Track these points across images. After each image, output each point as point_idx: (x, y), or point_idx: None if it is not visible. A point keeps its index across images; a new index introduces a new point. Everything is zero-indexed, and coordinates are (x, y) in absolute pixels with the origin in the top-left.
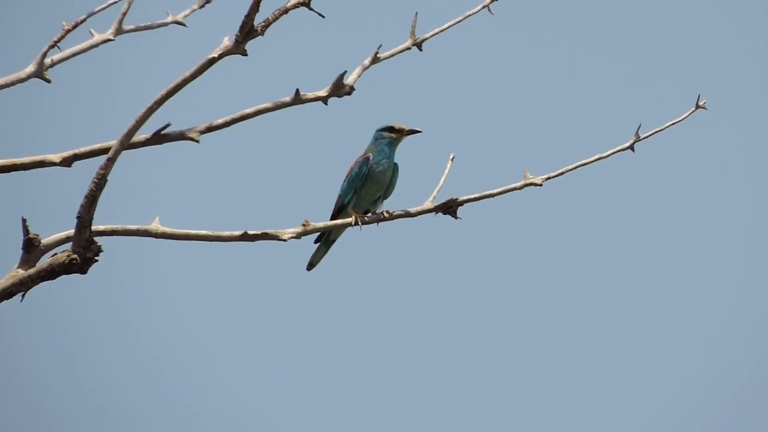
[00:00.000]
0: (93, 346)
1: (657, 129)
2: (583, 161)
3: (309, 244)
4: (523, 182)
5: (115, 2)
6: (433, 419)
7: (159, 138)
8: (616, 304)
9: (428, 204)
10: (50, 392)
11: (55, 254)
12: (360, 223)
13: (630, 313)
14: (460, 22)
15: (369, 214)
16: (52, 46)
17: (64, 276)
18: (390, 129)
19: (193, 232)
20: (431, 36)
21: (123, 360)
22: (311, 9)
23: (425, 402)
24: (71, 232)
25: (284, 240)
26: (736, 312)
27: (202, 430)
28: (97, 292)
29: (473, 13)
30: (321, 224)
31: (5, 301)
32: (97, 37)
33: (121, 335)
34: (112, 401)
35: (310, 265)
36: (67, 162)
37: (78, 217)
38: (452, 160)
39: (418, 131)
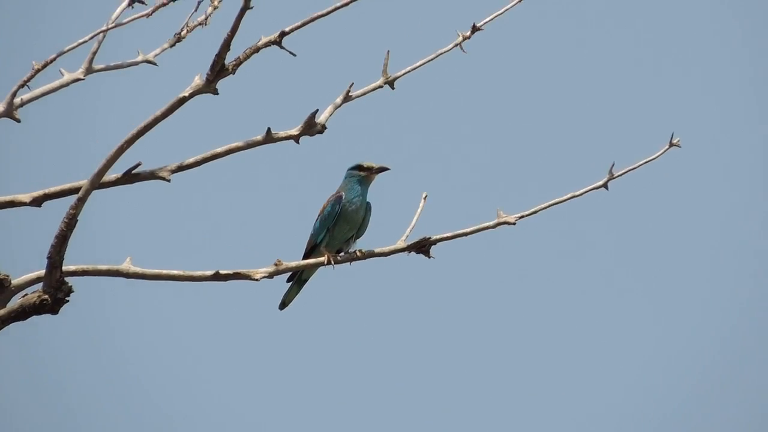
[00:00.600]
0: (65, 386)
1: (630, 167)
2: (557, 200)
3: (281, 283)
4: (496, 221)
5: (86, 41)
6: None
7: (130, 177)
8: (588, 342)
9: (401, 243)
10: None
11: (26, 295)
12: (333, 262)
13: (603, 348)
14: (432, 60)
15: (342, 253)
16: (21, 86)
17: (35, 316)
18: (359, 167)
19: (165, 272)
20: (403, 74)
21: (95, 398)
22: (282, 47)
23: None
24: (42, 272)
25: (256, 279)
26: (705, 349)
27: None
28: (69, 332)
29: (445, 51)
30: (293, 263)
31: None
32: (68, 77)
33: (94, 375)
34: None
35: (283, 304)
36: (37, 202)
37: (48, 257)
38: (425, 198)
39: (387, 168)
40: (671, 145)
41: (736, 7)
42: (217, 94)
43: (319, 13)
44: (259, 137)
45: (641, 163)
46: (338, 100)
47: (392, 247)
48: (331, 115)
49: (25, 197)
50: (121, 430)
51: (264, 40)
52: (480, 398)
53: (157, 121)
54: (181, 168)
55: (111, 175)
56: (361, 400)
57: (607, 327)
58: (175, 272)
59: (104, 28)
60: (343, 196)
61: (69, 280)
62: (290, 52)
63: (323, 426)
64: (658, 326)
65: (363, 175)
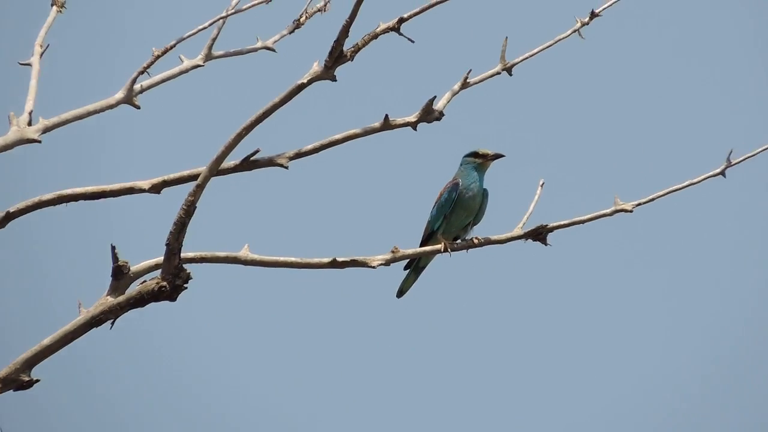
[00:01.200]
0: (179, 374)
1: (749, 154)
2: (674, 187)
3: (399, 272)
4: (613, 208)
5: (205, 28)
6: None
7: (248, 164)
8: (713, 328)
9: (518, 230)
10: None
11: (144, 281)
12: (449, 249)
13: (729, 338)
14: (550, 46)
15: (458, 241)
16: (141, 72)
17: (153, 303)
18: (474, 154)
19: (282, 259)
20: (521, 60)
21: (212, 385)
22: (401, 34)
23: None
24: (160, 259)
25: (373, 267)
26: None
27: None
28: (186, 319)
29: (563, 38)
30: (410, 251)
31: (95, 328)
32: (187, 63)
33: (210, 362)
34: (210, 423)
35: (400, 292)
36: (156, 188)
37: (167, 244)
38: (542, 185)
39: (502, 155)
40: None
41: None
42: (336, 80)
43: None
44: (376, 124)
45: (759, 150)
46: (456, 87)
47: (509, 235)
48: (448, 102)
49: (144, 184)
50: (244, 413)
51: (382, 26)
52: (592, 379)
53: (275, 107)
54: (298, 155)
55: (229, 162)
56: (478, 387)
57: (732, 316)
58: (292, 259)
59: (224, 14)
60: (460, 183)
61: (187, 266)
62: (408, 39)
63: (442, 410)
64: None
65: (479, 162)
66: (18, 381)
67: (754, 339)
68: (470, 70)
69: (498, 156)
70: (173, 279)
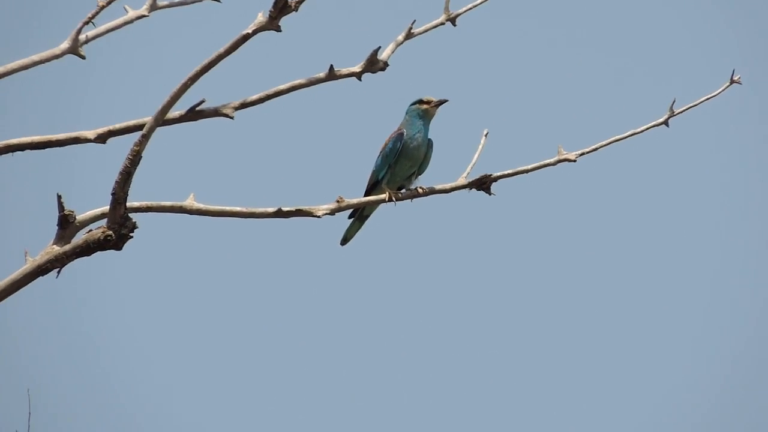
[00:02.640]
0: (129, 321)
1: (691, 104)
2: (617, 137)
3: (343, 220)
4: (557, 158)
5: None
6: (461, 406)
7: (193, 114)
8: (648, 282)
9: (462, 180)
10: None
11: (90, 231)
12: (394, 199)
13: (664, 292)
14: None
15: (403, 190)
16: (86, 23)
17: (99, 252)
18: (419, 102)
19: (228, 208)
20: (465, 11)
21: (156, 336)
22: None
23: (454, 385)
24: (106, 208)
25: (318, 216)
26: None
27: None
28: (131, 268)
29: None
30: (355, 200)
31: (41, 277)
32: (132, 13)
33: (156, 311)
34: (145, 378)
35: (344, 240)
36: (101, 138)
37: (113, 194)
38: (486, 135)
39: (446, 101)
40: (732, 81)
41: None
42: (280, 31)
43: None
44: (321, 74)
45: (702, 99)
46: (400, 38)
47: (453, 184)
48: (393, 53)
49: (90, 134)
50: (182, 362)
51: None
52: (530, 335)
53: (220, 58)
54: (244, 105)
55: (175, 112)
56: (419, 336)
57: (666, 269)
58: (237, 209)
59: None
60: (405, 133)
61: (133, 216)
62: None
63: (384, 365)
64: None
65: (423, 108)
66: None
67: (698, 291)
68: (414, 21)
69: (441, 102)
70: (119, 228)
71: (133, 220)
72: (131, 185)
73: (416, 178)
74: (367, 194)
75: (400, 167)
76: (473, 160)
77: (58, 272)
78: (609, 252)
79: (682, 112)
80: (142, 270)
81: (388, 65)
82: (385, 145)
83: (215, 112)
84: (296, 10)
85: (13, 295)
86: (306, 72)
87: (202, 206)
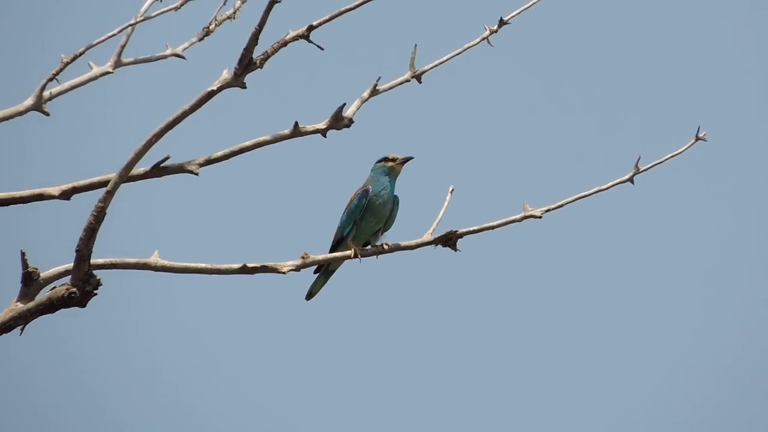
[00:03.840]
0: (92, 380)
1: (656, 161)
2: (583, 193)
3: (308, 275)
4: (522, 214)
5: (114, 35)
6: None
7: (158, 171)
8: (611, 336)
9: (428, 236)
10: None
11: (54, 288)
12: (359, 255)
13: (624, 346)
14: (459, 54)
15: (369, 246)
16: (50, 79)
17: (63, 309)
18: (384, 160)
19: (192, 265)
20: (431, 68)
21: (120, 393)
22: (310, 41)
23: None
24: (70, 265)
25: (284, 273)
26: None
27: None
28: (97, 325)
29: (472, 45)
30: (320, 257)
31: (4, 334)
32: (96, 70)
33: (120, 369)
34: None
35: (309, 295)
36: (65, 195)
37: (77, 251)
38: (451, 192)
39: (411, 158)
40: (697, 138)
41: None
42: (245, 88)
43: (347, 6)
44: (286, 131)
45: (667, 157)
46: (365, 94)
47: (419, 240)
48: (358, 109)
49: (54, 190)
50: (147, 423)
51: (292, 34)
52: (503, 393)
53: (185, 114)
54: (209, 162)
55: (139, 169)
56: (385, 393)
57: (633, 324)
58: (202, 265)
59: (133, 21)
60: (370, 190)
61: (97, 273)
62: (318, 46)
63: (349, 419)
64: (685, 325)
65: (389, 165)
66: None
67: (659, 340)
68: (379, 78)
69: (407, 159)
70: (83, 285)
71: (98, 277)
72: (95, 242)
73: (382, 234)
74: (332, 250)
75: (365, 224)
76: (439, 217)
77: (22, 329)
78: (574, 307)
79: (647, 169)
80: (106, 327)
81: (353, 122)
82: (351, 201)
83: (180, 169)
84: (261, 67)
85: None
86: (271, 128)
87: (167, 263)
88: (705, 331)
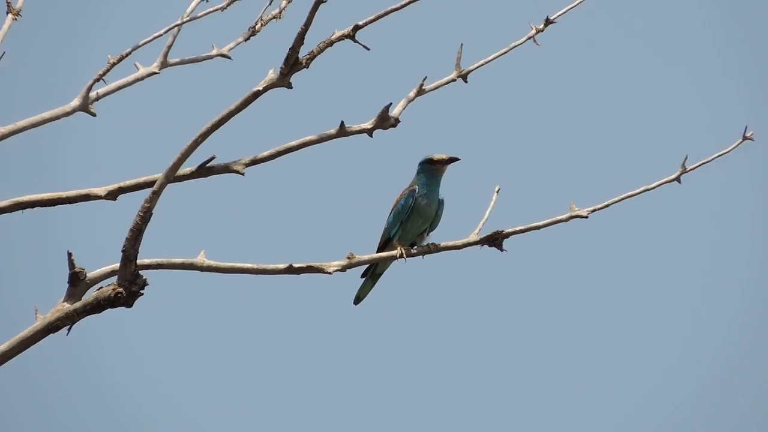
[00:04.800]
0: (135, 380)
1: (703, 161)
2: (629, 193)
3: (355, 278)
4: (568, 214)
5: (161, 35)
6: None
7: (204, 171)
8: (661, 335)
9: (474, 236)
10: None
11: (101, 288)
12: (405, 255)
13: (675, 342)
14: (505, 53)
15: (415, 247)
16: (97, 80)
17: (109, 309)
18: (429, 161)
19: (238, 265)
20: (476, 67)
21: (168, 392)
22: (356, 41)
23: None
24: (116, 265)
25: (329, 273)
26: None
27: None
28: (143, 325)
29: (518, 44)
30: (366, 257)
31: (51, 334)
32: (143, 71)
33: (167, 368)
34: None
35: (357, 299)
36: (112, 195)
37: (123, 251)
38: (497, 192)
39: (457, 159)
40: (744, 138)
41: None
42: (291, 87)
43: (393, 6)
44: (332, 131)
45: (714, 156)
46: (411, 94)
47: (465, 240)
48: (404, 109)
49: (101, 191)
50: (189, 419)
51: (338, 33)
52: (553, 393)
53: (231, 114)
54: (254, 162)
55: (185, 169)
56: (435, 392)
57: (683, 323)
58: (248, 265)
59: (179, 21)
60: (417, 190)
61: (144, 273)
62: (364, 46)
63: (397, 419)
64: (737, 323)
65: (433, 168)
66: None
67: (708, 341)
68: (425, 77)
69: (453, 160)
70: (129, 285)
71: (144, 277)
72: (142, 242)
73: (428, 234)
74: (379, 251)
75: (411, 224)
76: (485, 217)
77: (69, 329)
78: (620, 308)
79: (694, 168)
80: (152, 327)
81: (399, 121)
82: (397, 202)
83: (226, 169)
84: (307, 67)
85: (23, 352)
86: (317, 128)
87: (212, 263)
88: (759, 329)
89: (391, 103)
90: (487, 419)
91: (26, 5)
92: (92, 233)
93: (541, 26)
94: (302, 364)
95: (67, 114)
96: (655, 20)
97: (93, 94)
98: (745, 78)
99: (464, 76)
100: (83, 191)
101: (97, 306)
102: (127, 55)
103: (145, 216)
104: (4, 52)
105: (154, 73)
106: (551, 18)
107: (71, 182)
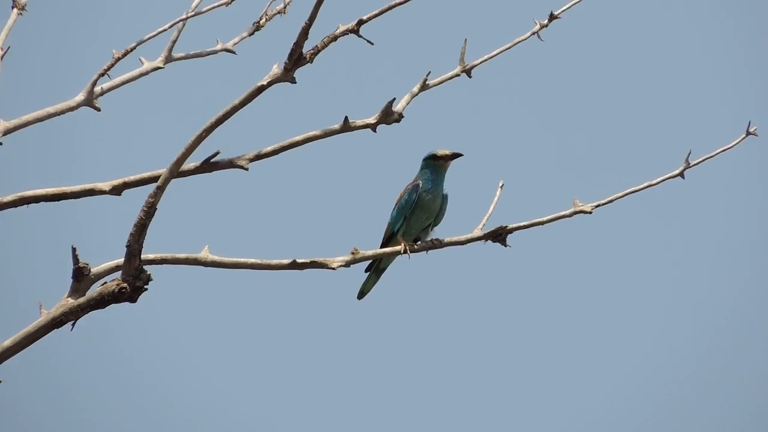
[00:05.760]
0: (140, 375)
1: (707, 156)
2: (633, 188)
3: (359, 273)
4: (572, 209)
5: (165, 30)
6: None
7: (208, 166)
8: (664, 331)
9: (478, 231)
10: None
11: (105, 283)
12: (409, 250)
13: (677, 338)
14: (509, 48)
15: (419, 242)
16: (102, 75)
17: (113, 305)
18: (433, 156)
19: (242, 260)
20: (480, 63)
21: (171, 386)
22: (360, 36)
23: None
24: (121, 260)
25: (333, 268)
26: None
27: None
28: (147, 320)
29: (522, 40)
30: (370, 252)
31: (55, 329)
32: (147, 65)
33: (170, 363)
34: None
35: (361, 294)
36: (116, 190)
37: (127, 246)
38: (501, 187)
39: (461, 154)
40: (748, 133)
41: None
42: (295, 82)
43: (397, 1)
44: (336, 126)
45: (718, 151)
46: (415, 89)
47: (469, 236)
48: (408, 104)
49: (105, 186)
50: (196, 413)
51: (342, 28)
52: (558, 388)
53: (235, 109)
54: (259, 157)
55: (190, 164)
56: (437, 388)
57: (686, 317)
58: (252, 261)
59: (184, 16)
60: (420, 185)
61: (148, 268)
62: (368, 41)
63: (402, 413)
64: (739, 318)
65: (437, 164)
66: None
67: (711, 337)
68: (429, 72)
69: (456, 155)
70: (134, 280)
71: (148, 273)
72: (146, 237)
73: (432, 230)
74: (382, 246)
75: (415, 219)
76: (489, 212)
77: (73, 325)
78: (624, 303)
79: (698, 164)
80: (156, 323)
81: (403, 116)
82: (401, 196)
83: (230, 164)
84: (311, 62)
85: (27, 347)
86: (321, 123)
87: (216, 258)
88: (763, 324)
89: (394, 98)
90: (491, 413)
91: (31, 1)
92: (96, 228)
93: (546, 21)
94: (306, 359)
95: (71, 109)
96: (659, 15)
97: (98, 89)
98: (749, 73)
99: (468, 72)
100: (88, 186)
101: (102, 301)
102: (131, 50)
103: (150, 211)
104: (9, 47)
105: (159, 67)
106: (555, 13)
107: (76, 177)
